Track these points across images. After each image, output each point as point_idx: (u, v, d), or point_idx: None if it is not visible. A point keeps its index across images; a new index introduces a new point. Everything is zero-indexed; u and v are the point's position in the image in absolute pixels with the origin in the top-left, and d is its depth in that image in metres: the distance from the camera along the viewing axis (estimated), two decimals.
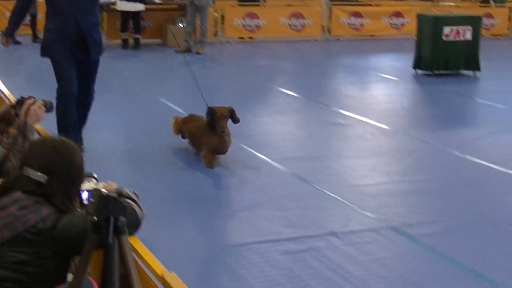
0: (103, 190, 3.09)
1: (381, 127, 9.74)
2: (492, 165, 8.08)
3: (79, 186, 3.48)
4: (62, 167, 3.29)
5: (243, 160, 8.12)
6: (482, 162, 8.21)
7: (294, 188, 7.21)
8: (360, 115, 10.38)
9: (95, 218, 2.95)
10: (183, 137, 8.52)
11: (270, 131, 9.61)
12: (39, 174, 3.25)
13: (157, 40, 17.58)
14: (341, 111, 10.68)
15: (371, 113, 10.57)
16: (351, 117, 10.33)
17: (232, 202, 6.83)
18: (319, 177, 7.52)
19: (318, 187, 7.17)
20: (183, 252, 5.59)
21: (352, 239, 5.88)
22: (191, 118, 8.48)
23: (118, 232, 2.99)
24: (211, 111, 7.88)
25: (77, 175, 3.38)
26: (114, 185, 4.00)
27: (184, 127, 8.44)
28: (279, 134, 9.46)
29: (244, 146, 8.61)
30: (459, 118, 10.88)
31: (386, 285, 5.10)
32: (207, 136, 7.89)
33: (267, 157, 8.20)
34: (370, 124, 9.93)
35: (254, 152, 8.42)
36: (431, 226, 6.21)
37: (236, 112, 8.06)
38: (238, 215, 6.44)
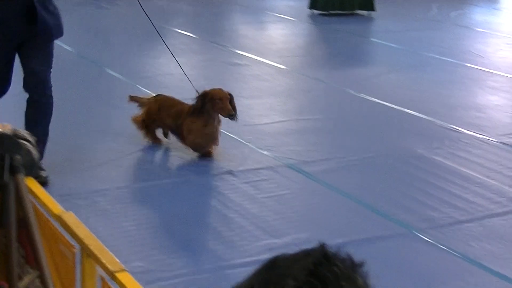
0: None
1: (278, 67, 9.83)
2: (386, 103, 8.29)
3: None
4: None
5: None
6: (377, 100, 8.41)
7: None
8: (257, 55, 10.45)
9: None
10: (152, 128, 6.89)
11: (167, 72, 9.57)
12: None
13: None
14: (238, 51, 10.73)
15: (268, 53, 10.65)
16: (248, 57, 10.39)
17: (129, 143, 6.81)
18: None
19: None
20: (79, 192, 5.57)
21: (248, 177, 5.97)
22: (165, 104, 6.85)
23: (13, 171, 2.97)
24: (206, 95, 6.49)
25: None
26: (8, 126, 3.94)
27: (158, 116, 6.77)
28: (176, 75, 9.41)
29: (141, 88, 8.56)
30: (354, 57, 11.08)
31: (283, 221, 5.22)
32: (192, 122, 6.48)
33: None
34: (267, 64, 10.02)
35: (151, 93, 8.38)
36: (327, 163, 6.35)
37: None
38: (135, 155, 6.45)
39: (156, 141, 6.82)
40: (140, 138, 6.83)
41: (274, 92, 8.71)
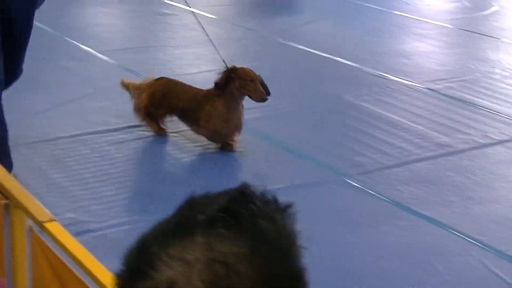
0: None
1: (207, 16, 9.78)
2: (314, 51, 8.34)
3: None
4: None
5: (69, 52, 7.99)
6: (305, 48, 8.45)
7: (119, 78, 7.18)
8: (184, 5, 10.34)
9: None
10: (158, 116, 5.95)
11: (94, 22, 9.46)
12: None
13: None
14: (166, 1, 10.62)
15: (197, 3, 10.55)
16: (176, 6, 10.29)
17: (59, 95, 6.74)
18: (145, 67, 7.51)
19: (144, 76, 7.18)
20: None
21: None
22: (174, 87, 5.96)
23: None
24: (234, 71, 5.64)
25: None
26: None
27: (166, 101, 5.85)
28: (103, 25, 9.33)
29: (68, 39, 8.45)
30: (283, 5, 11.07)
31: (217, 172, 5.26)
32: (212, 106, 5.64)
33: (92, 49, 8.10)
34: (196, 13, 9.93)
35: (79, 44, 8.28)
36: (256, 112, 6.37)
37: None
38: (67, 107, 6.39)
39: (161, 132, 5.86)
40: (71, 88, 6.77)
41: (203, 41, 8.64)
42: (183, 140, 5.81)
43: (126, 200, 4.82)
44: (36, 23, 9.00)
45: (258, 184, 1.07)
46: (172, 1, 10.53)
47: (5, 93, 6.49)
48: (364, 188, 5.04)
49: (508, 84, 7.41)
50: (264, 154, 5.58)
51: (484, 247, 4.36)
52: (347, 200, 4.92)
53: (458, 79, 7.51)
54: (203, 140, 5.75)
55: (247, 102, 5.70)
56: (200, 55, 8.12)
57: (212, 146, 5.70)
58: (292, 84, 7.24)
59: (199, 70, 7.53)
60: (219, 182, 5.01)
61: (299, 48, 8.46)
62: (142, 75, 7.23)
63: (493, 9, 10.65)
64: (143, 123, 5.89)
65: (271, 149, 5.68)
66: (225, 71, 5.60)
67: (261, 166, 5.37)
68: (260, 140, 5.83)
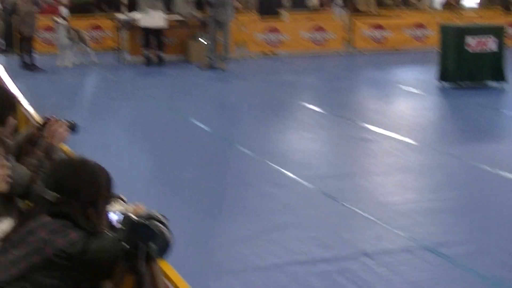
0: (133, 216, 3.02)
1: (408, 142, 9.57)
2: None
3: (103, 207, 3.37)
4: (77, 185, 3.20)
5: (270, 177, 8.00)
6: None
7: (323, 206, 7.08)
8: (386, 130, 10.22)
9: (126, 246, 2.89)
10: None
11: (296, 147, 9.48)
12: (51, 192, 3.18)
13: (180, 57, 17.50)
14: (367, 125, 10.53)
15: (398, 128, 10.41)
16: (377, 132, 10.18)
17: (261, 222, 6.68)
18: (348, 194, 7.37)
19: (347, 205, 7.02)
20: (212, 272, 5.47)
21: (385, 260, 5.72)
22: None
23: (148, 260, 2.93)
24: None
25: (96, 195, 3.27)
26: (142, 208, 3.89)
27: None
28: (306, 151, 9.34)
29: (271, 164, 8.48)
30: (487, 131, 10.69)
31: None
32: None
33: (294, 175, 8.06)
34: (397, 139, 9.77)
35: (281, 169, 8.28)
36: (465, 246, 6.04)
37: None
38: (268, 235, 6.31)
39: None
40: (273, 215, 6.70)
41: (406, 168, 8.46)
42: (389, 274, 5.55)
43: None
44: (238, 146, 9.20)
45: None
46: (373, 127, 10.42)
47: (206, 219, 6.54)
48: None
49: None
50: None
51: None
52: None
53: None
54: None
55: (452, 234, 5.37)
56: (404, 182, 7.89)
57: None
58: (502, 216, 6.82)
59: (404, 199, 7.28)
60: None
61: (507, 177, 8.03)
62: (343, 203, 7.08)
63: None
64: None
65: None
66: None
67: None
68: (472, 279, 5.46)
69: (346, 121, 10.98)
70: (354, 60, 18.64)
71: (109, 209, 3.48)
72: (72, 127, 4.59)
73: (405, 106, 12.78)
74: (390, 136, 9.92)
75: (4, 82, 7.58)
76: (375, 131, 10.22)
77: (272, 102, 12.77)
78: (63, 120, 4.53)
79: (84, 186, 3.22)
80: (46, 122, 4.56)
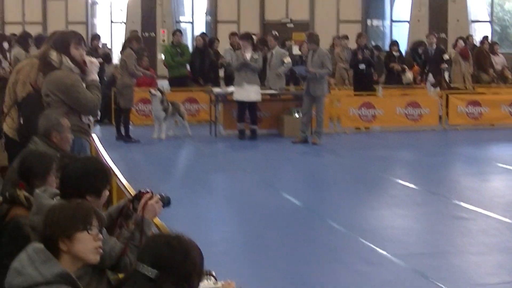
0: None
1: (505, 221, 9.31)
2: None
3: (197, 284, 3.35)
4: (174, 262, 3.20)
5: (362, 254, 7.87)
6: None
7: (416, 286, 6.90)
8: (482, 209, 9.96)
9: None
10: None
11: (388, 224, 9.34)
12: (150, 269, 3.17)
13: (274, 131, 17.58)
14: (462, 203, 10.30)
15: (494, 206, 10.15)
16: (472, 210, 9.94)
17: None
18: (442, 274, 7.19)
19: (441, 285, 6.83)
20: None
21: None
22: None
23: None
24: None
25: (191, 271, 3.25)
26: (233, 285, 3.86)
27: None
28: (398, 228, 9.18)
29: (362, 240, 8.36)
30: None
31: None
32: None
33: (386, 252, 7.91)
34: (494, 217, 9.52)
35: (373, 246, 8.15)
36: None
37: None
38: None
39: None
40: None
41: (504, 248, 8.21)
42: None
43: None
44: (329, 221, 9.11)
45: None
46: (468, 204, 10.19)
47: None
48: None
49: None
50: None
51: None
52: None
53: None
54: None
55: None
56: (502, 263, 7.65)
57: None
58: None
59: (501, 281, 7.06)
60: None
61: None
62: (438, 282, 6.89)
63: None
64: None
65: None
66: None
67: None
68: None
69: (440, 198, 10.78)
70: (449, 136, 18.38)
71: (200, 287, 3.46)
72: (165, 201, 4.62)
73: (502, 184, 12.48)
74: (486, 215, 9.66)
75: (99, 153, 7.73)
76: (470, 209, 9.98)
77: (364, 177, 12.66)
78: (156, 194, 4.57)
79: (181, 263, 3.21)
80: (139, 195, 4.61)
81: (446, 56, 20.32)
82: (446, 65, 20.13)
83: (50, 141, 6.18)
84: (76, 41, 6.93)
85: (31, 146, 5.96)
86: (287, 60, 17.54)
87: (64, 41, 6.89)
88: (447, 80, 20.68)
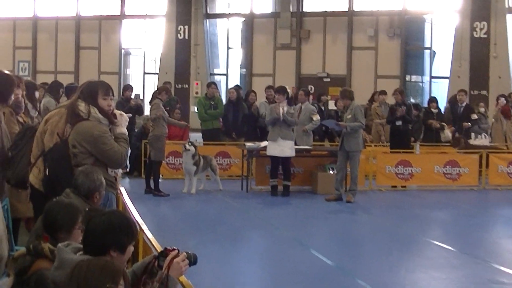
0: None
1: None
2: None
3: None
4: None
5: None
6: None
7: None
8: None
9: None
10: None
11: (424, 287, 9.23)
12: None
13: (307, 187, 17.56)
14: (502, 268, 10.17)
15: None
16: None
17: None
18: None
19: None
20: None
21: None
22: None
23: None
24: None
25: None
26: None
27: None
28: None
29: None
30: None
31: None
32: None
33: None
34: None
35: None
36: None
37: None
38: None
39: None
40: None
41: None
42: None
43: None
44: (361, 282, 9.03)
45: None
46: (509, 269, 10.05)
47: None
48: None
49: None
50: None
51: None
52: None
53: None
54: None
55: None
56: None
57: None
58: None
59: None
60: None
61: None
62: None
63: None
64: None
65: None
66: None
67: None
68: None
69: (479, 262, 10.65)
70: (488, 196, 18.23)
71: None
72: (191, 260, 4.62)
73: None
74: None
75: (126, 207, 7.76)
76: (510, 274, 9.86)
77: (399, 237, 12.57)
78: (182, 252, 4.57)
79: None
80: (165, 252, 4.61)
81: (474, 116, 20.18)
82: (469, 124, 19.91)
83: (91, 201, 6.23)
84: (104, 91, 7.00)
85: (63, 199, 5.99)
86: (316, 117, 17.56)
87: (91, 91, 6.97)
88: (488, 138, 20.51)
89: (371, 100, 22.26)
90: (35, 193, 7.07)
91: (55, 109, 7.53)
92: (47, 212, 5.36)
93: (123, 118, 7.14)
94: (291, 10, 32.09)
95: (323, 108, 20.64)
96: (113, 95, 7.14)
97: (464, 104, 20.21)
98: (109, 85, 7.19)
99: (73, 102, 7.00)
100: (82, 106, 6.88)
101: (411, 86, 32.19)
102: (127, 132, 7.20)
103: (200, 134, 20.10)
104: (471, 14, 29.29)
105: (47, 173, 6.88)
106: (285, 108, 16.25)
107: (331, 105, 22.02)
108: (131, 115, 15.18)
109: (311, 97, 19.92)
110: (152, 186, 16.04)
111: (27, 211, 7.52)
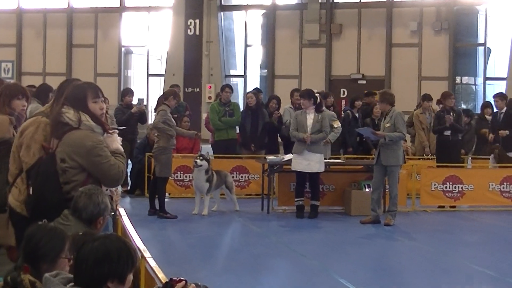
0: None
1: None
2: None
3: None
4: None
5: None
6: None
7: None
8: None
9: None
10: None
11: None
12: None
13: (338, 208, 17.54)
14: None
15: None
16: None
17: None
18: None
19: None
20: None
21: None
22: None
23: None
24: None
25: None
26: None
27: None
28: None
29: None
30: None
31: None
32: None
33: None
34: None
35: None
36: None
37: None
38: None
39: None
40: None
41: None
42: None
43: None
44: None
45: None
46: None
47: None
48: None
49: None
50: None
51: None
52: None
53: None
54: None
55: None
56: None
57: None
58: None
59: None
60: None
61: None
62: None
63: None
64: None
65: None
66: None
67: None
68: None
69: None
70: None
71: None
72: None
73: None
74: None
75: (127, 231, 7.78)
76: None
77: (445, 266, 12.55)
78: (191, 284, 4.60)
79: None
80: (170, 283, 4.64)
81: None
82: (507, 132, 19.56)
83: (94, 227, 6.22)
84: (93, 93, 6.91)
85: (62, 223, 6.00)
86: (337, 124, 17.52)
87: (79, 96, 6.87)
88: None
89: (419, 106, 21.88)
90: (16, 217, 6.94)
91: (31, 118, 7.32)
92: (27, 239, 5.25)
93: (115, 135, 7.04)
94: (320, 1, 32.03)
95: (357, 115, 20.58)
96: (104, 97, 7.05)
97: (504, 110, 19.63)
98: (97, 85, 7.11)
99: (57, 111, 6.85)
100: (70, 113, 6.75)
101: (462, 89, 32.11)
102: (122, 149, 7.08)
103: (209, 146, 20.06)
104: None
105: (30, 193, 6.77)
106: (312, 115, 16.20)
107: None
108: (124, 127, 15.20)
109: (330, 100, 19.93)
110: (157, 206, 16.04)
111: (7, 237, 7.30)
